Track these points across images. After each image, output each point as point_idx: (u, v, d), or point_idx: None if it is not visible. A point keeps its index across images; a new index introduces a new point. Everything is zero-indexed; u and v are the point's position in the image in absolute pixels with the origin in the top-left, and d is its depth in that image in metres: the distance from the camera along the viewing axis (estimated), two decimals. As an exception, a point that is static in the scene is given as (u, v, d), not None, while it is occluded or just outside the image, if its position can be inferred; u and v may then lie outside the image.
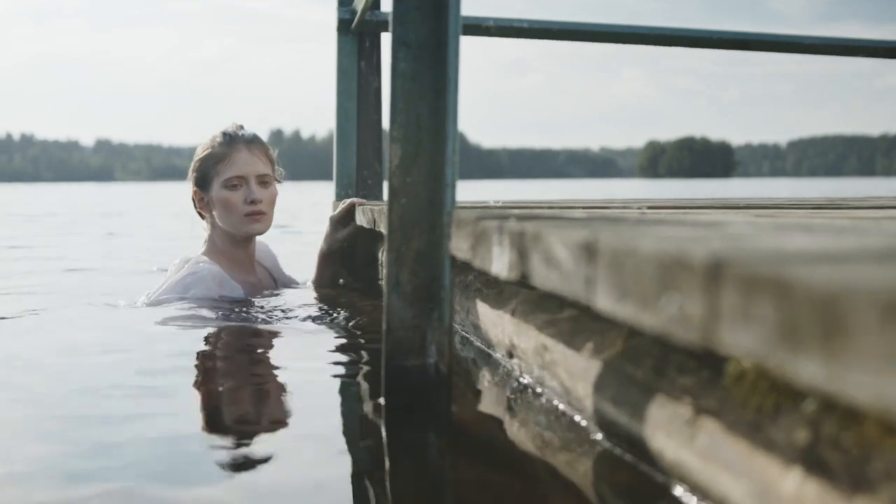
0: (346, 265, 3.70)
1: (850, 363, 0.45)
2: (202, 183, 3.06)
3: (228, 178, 2.99)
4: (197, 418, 1.58)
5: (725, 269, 0.57)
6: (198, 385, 1.83)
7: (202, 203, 3.09)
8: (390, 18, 1.51)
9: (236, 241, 3.09)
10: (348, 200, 3.41)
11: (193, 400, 1.72)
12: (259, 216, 3.02)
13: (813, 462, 0.80)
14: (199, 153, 3.07)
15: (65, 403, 1.65)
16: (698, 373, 1.06)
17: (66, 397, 1.69)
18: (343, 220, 3.40)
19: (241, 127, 3.10)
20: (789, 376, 0.51)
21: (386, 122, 1.55)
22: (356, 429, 1.58)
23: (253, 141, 3.05)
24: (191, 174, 3.10)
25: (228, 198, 2.99)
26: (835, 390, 0.47)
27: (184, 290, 2.88)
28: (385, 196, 1.57)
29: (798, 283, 0.51)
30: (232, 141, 3.02)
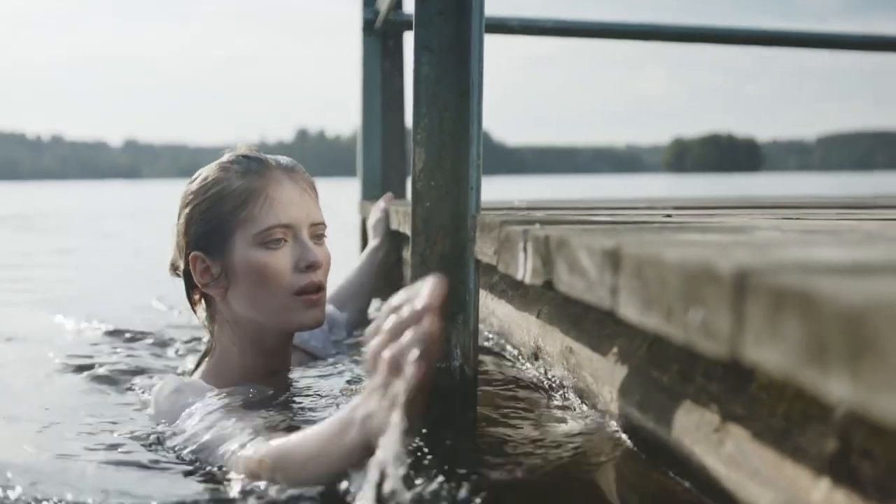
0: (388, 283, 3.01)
1: (878, 384, 0.45)
2: (208, 242, 1.75)
3: (267, 230, 1.72)
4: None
5: (751, 282, 0.57)
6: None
7: (206, 278, 1.76)
8: (413, 21, 1.51)
9: (271, 342, 1.80)
10: (383, 202, 2.92)
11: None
12: (318, 296, 1.77)
13: (842, 472, 0.79)
14: (201, 191, 1.78)
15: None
16: (725, 379, 1.05)
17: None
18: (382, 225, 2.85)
19: (258, 150, 1.88)
20: (819, 394, 0.50)
21: (410, 123, 1.55)
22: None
23: (295, 169, 1.84)
24: (181, 227, 1.80)
25: (267, 263, 1.72)
26: (863, 411, 0.46)
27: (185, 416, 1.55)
28: (409, 197, 1.57)
29: (825, 298, 0.50)
30: (263, 168, 1.78)
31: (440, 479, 1.18)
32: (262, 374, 1.77)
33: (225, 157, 1.82)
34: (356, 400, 1.13)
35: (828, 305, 0.50)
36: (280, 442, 1.26)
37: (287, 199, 1.75)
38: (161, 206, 14.40)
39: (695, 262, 0.64)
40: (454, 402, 1.55)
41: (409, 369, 1.02)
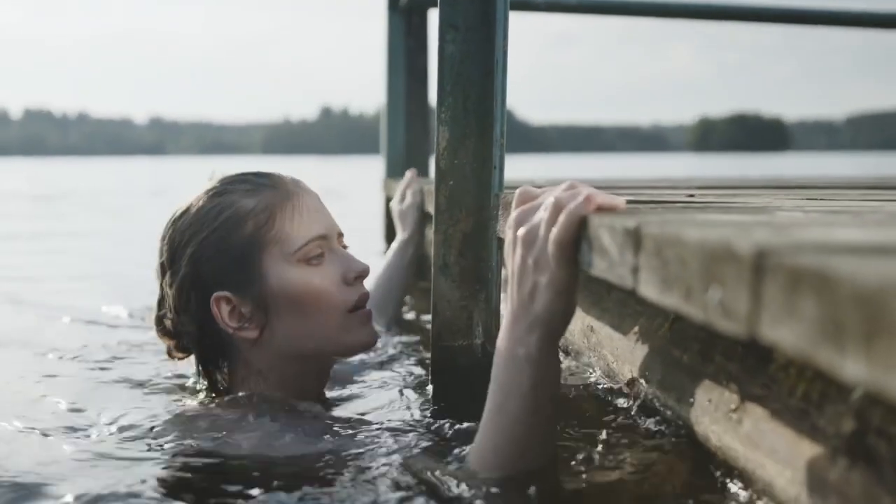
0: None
1: (893, 364, 0.45)
2: (231, 276, 1.48)
3: (307, 245, 1.49)
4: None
5: (769, 262, 0.57)
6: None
7: (237, 320, 1.49)
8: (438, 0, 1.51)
9: (312, 378, 1.59)
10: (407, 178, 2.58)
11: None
12: (370, 310, 1.56)
13: (859, 452, 0.79)
14: (204, 222, 1.50)
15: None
16: (745, 359, 1.05)
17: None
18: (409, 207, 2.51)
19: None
20: (835, 374, 0.51)
21: (434, 101, 1.55)
22: (403, 408, 1.60)
23: (298, 180, 1.60)
24: (186, 271, 1.50)
25: (314, 282, 1.48)
26: (878, 391, 0.47)
27: None
28: (433, 175, 1.58)
29: (841, 278, 0.51)
30: (274, 181, 1.55)
31: (461, 456, 1.19)
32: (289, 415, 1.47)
33: (212, 185, 1.55)
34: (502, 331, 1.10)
35: (844, 285, 0.50)
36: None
37: (313, 207, 1.53)
38: (186, 182, 14.49)
39: (714, 242, 0.65)
40: (476, 380, 1.56)
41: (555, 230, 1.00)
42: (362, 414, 1.58)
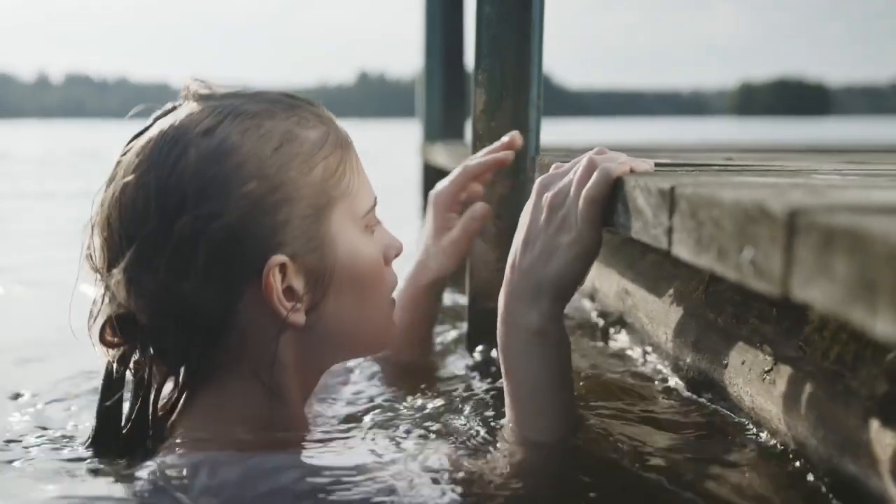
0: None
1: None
2: (289, 235, 1.06)
3: (373, 208, 1.17)
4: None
5: (802, 221, 0.58)
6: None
7: (290, 297, 1.07)
8: (476, -38, 1.51)
9: (313, 382, 1.19)
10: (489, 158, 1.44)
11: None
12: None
13: (891, 413, 0.80)
14: (249, 154, 1.05)
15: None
16: (780, 321, 1.06)
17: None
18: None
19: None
20: (867, 332, 0.52)
21: (470, 64, 1.56)
22: (440, 369, 1.61)
23: None
24: (233, 219, 1.03)
25: (376, 257, 1.16)
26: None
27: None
28: (469, 138, 1.59)
29: (874, 237, 0.51)
30: (327, 117, 1.15)
31: (496, 417, 1.21)
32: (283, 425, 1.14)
33: (217, 100, 1.10)
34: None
35: (877, 244, 0.51)
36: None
37: (361, 165, 1.17)
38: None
39: (748, 202, 0.65)
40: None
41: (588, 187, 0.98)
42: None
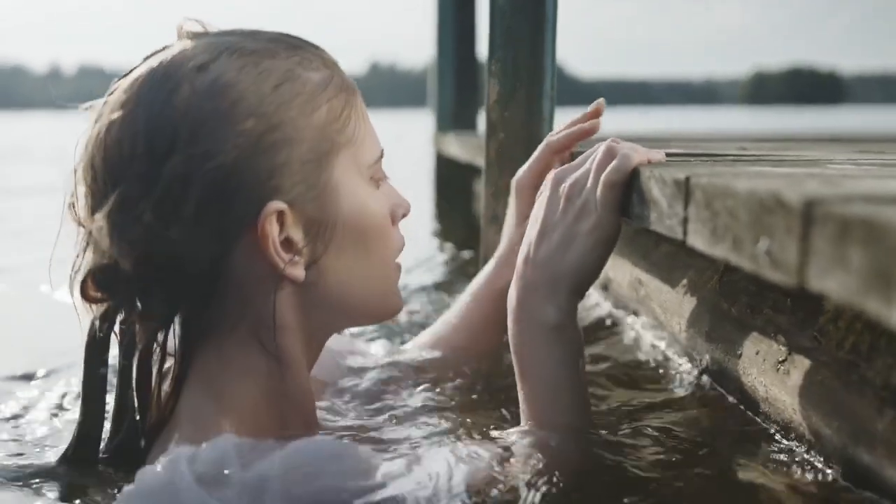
0: None
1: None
2: (288, 181, 0.99)
3: (380, 160, 1.10)
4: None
5: (818, 212, 0.58)
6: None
7: (288, 248, 0.99)
8: (489, -47, 1.51)
9: (315, 354, 1.11)
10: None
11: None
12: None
13: (907, 403, 0.80)
14: (248, 92, 0.97)
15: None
16: (794, 311, 1.06)
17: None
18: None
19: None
20: (882, 322, 0.52)
21: (483, 54, 1.56)
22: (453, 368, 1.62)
23: None
24: (230, 160, 0.96)
25: (382, 212, 1.09)
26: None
27: None
28: (481, 128, 1.59)
29: (890, 228, 0.51)
30: (330, 60, 1.08)
31: (514, 405, 1.21)
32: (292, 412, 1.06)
33: (212, 38, 1.02)
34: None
35: (893, 235, 0.51)
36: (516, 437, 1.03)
37: (367, 114, 1.10)
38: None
39: (764, 193, 0.65)
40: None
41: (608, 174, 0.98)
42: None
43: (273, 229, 0.97)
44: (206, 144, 0.94)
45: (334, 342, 1.27)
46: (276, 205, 0.96)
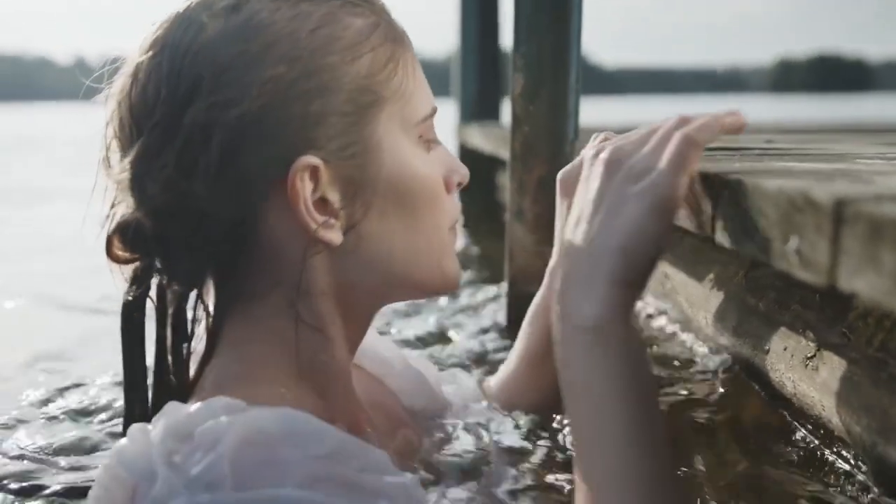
0: None
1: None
2: (324, 134, 0.88)
3: (430, 118, 0.97)
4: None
5: (849, 212, 0.57)
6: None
7: (323, 209, 0.89)
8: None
9: (362, 329, 1.00)
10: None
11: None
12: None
13: (937, 401, 0.79)
14: (281, 35, 0.87)
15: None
16: (823, 308, 1.05)
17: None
18: None
19: None
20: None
21: (507, 45, 1.56)
22: (481, 355, 1.62)
23: None
24: (251, 109, 0.85)
25: (433, 175, 0.96)
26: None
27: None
28: (505, 119, 1.59)
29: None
30: (381, 8, 0.96)
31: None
32: (336, 393, 0.96)
33: None
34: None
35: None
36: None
37: (420, 71, 0.99)
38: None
39: (793, 191, 0.65)
40: (549, 325, 1.57)
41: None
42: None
43: (305, 186, 0.86)
44: (229, 91, 0.85)
45: (423, 366, 1.18)
46: (309, 159, 0.86)
